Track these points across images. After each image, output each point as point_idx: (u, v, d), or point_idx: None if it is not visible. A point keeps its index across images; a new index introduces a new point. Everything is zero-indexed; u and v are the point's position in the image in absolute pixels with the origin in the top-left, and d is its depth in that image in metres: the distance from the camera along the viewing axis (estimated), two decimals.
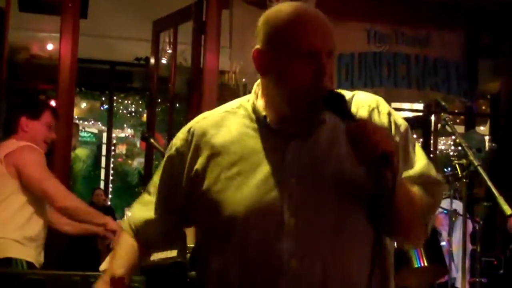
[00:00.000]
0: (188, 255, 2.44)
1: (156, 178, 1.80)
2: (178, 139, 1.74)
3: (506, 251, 5.69)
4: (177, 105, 6.78)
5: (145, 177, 6.29)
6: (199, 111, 5.51)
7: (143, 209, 1.82)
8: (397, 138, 1.63)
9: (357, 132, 1.47)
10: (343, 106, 1.55)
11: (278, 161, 1.61)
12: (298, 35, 1.57)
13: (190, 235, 2.10)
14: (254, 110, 1.67)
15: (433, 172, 1.70)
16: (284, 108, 1.61)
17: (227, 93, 6.20)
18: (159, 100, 6.77)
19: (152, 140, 3.60)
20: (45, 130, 3.45)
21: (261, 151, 1.63)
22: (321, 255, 1.56)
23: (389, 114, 1.66)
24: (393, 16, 5.82)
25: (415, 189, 1.64)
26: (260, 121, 1.65)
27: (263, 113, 1.65)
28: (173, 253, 2.44)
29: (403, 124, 1.67)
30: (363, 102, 1.67)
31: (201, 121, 1.73)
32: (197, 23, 5.24)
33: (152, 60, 5.93)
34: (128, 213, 1.96)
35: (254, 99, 1.69)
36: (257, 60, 1.63)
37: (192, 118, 1.79)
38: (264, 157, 1.62)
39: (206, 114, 1.75)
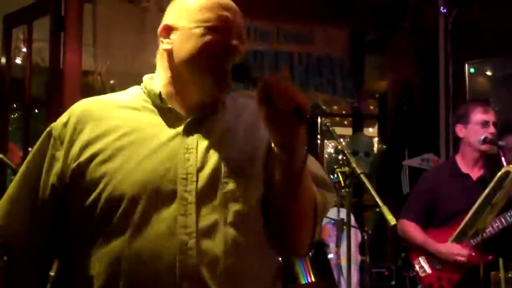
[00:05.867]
0: None
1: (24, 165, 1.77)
2: (56, 124, 1.76)
3: (397, 260, 5.87)
4: (36, 111, 6.60)
5: None
6: (60, 116, 5.38)
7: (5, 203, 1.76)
8: None
9: (271, 87, 1.55)
10: (249, 74, 1.66)
11: (176, 140, 1.67)
12: (207, 10, 1.71)
13: None
14: (150, 94, 1.75)
15: (326, 176, 1.85)
16: (191, 83, 1.70)
17: (92, 96, 6.06)
18: (14, 106, 6.54)
19: (1, 156, 3.43)
20: None
21: (159, 125, 1.70)
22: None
23: None
24: (274, 12, 5.90)
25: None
26: (156, 104, 1.74)
27: (157, 91, 1.73)
28: None
29: None
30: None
31: (84, 101, 1.78)
32: (54, 18, 5.09)
33: (3, 60, 5.71)
34: None
35: (146, 85, 1.78)
36: (163, 32, 1.75)
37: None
38: (161, 131, 1.69)
39: (88, 99, 1.80)
